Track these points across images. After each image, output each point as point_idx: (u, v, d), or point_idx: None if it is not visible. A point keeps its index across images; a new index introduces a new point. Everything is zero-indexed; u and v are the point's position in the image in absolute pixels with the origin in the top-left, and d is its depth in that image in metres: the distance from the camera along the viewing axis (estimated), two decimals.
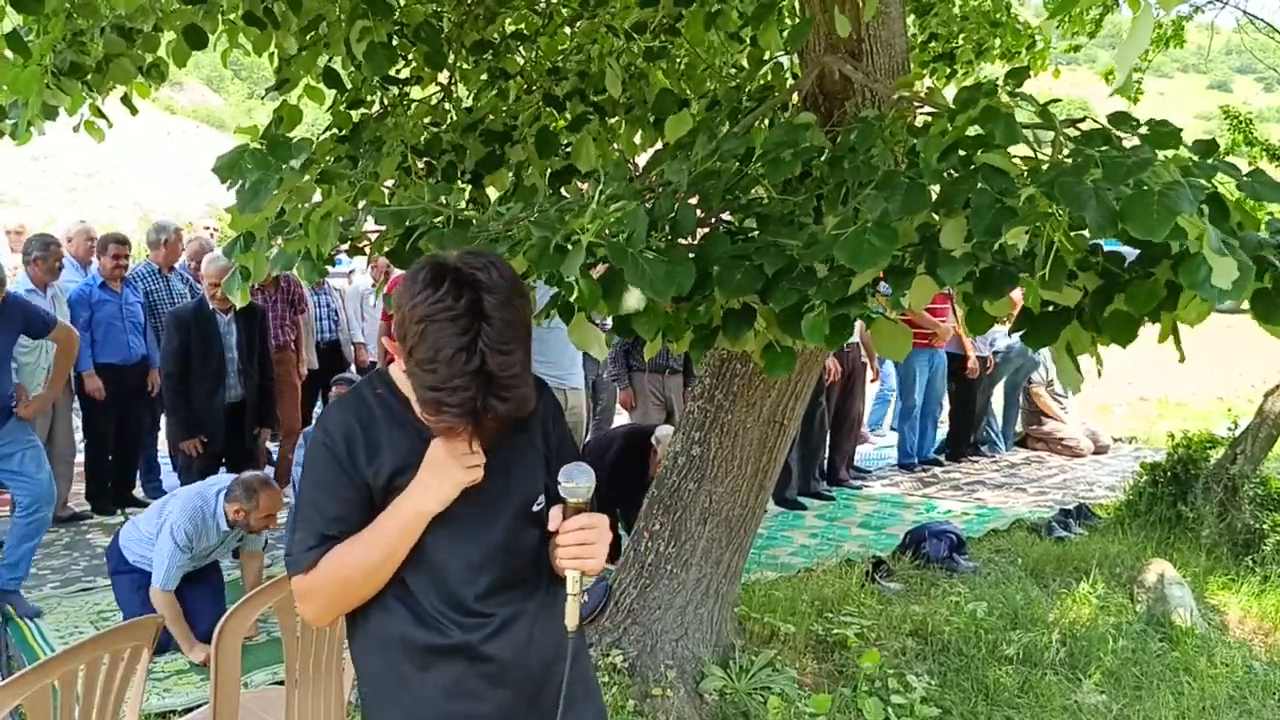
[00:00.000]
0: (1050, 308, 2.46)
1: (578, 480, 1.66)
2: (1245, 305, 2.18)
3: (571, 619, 1.69)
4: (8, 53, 3.65)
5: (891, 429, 9.86)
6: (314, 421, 7.53)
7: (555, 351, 5.78)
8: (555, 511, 1.70)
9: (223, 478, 4.64)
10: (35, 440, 5.11)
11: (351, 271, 11.28)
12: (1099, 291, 2.34)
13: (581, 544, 1.66)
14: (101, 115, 4.10)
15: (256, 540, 4.79)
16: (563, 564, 1.68)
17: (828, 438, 7.69)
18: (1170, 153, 2.18)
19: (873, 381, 8.39)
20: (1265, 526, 5.79)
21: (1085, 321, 2.36)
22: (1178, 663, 4.42)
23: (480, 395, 1.53)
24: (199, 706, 3.43)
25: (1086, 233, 2.34)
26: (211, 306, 5.74)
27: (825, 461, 7.82)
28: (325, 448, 1.71)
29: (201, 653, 4.45)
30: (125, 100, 4.17)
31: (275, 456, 7.27)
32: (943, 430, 9.54)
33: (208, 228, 8.87)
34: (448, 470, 1.64)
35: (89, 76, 3.87)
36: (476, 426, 1.58)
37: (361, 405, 1.74)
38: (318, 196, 3.18)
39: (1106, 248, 2.42)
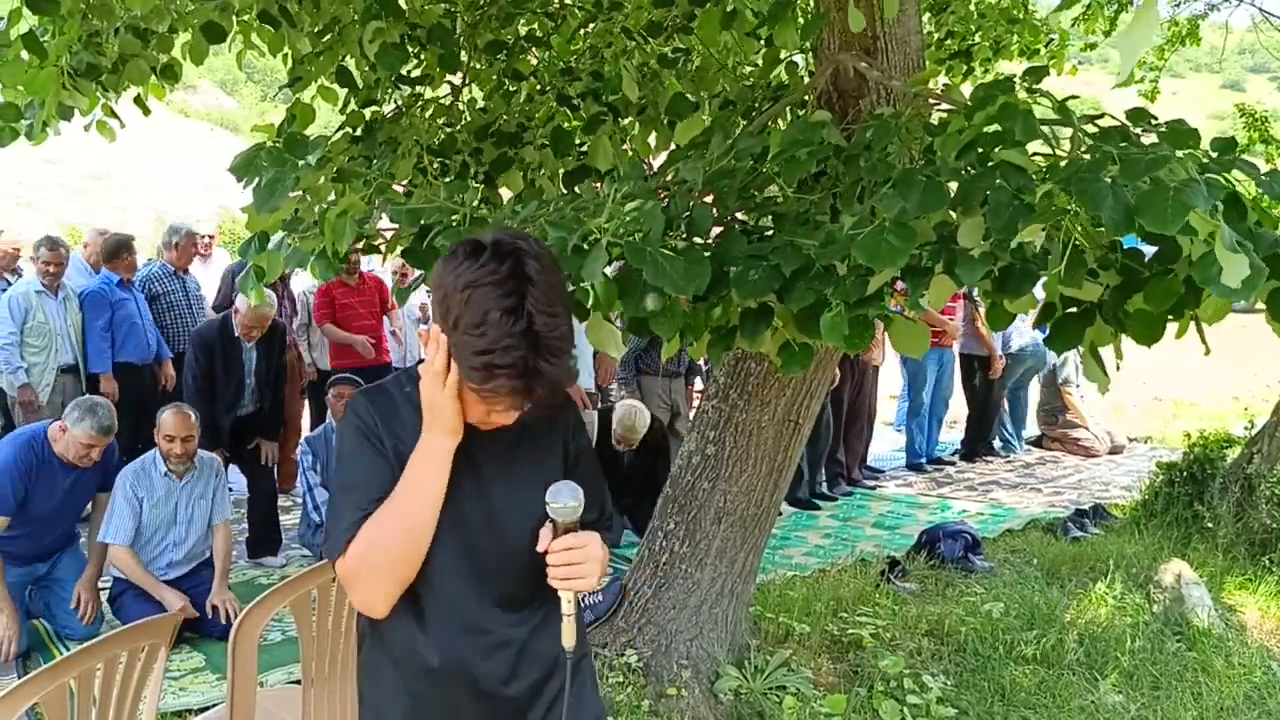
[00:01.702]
0: (1072, 308, 2.45)
1: (565, 499, 1.63)
2: (1261, 305, 2.17)
3: (568, 638, 1.68)
4: (24, 53, 3.67)
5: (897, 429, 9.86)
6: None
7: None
8: (545, 531, 1.68)
9: None
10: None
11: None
12: (1119, 289, 2.32)
13: (570, 564, 1.64)
14: (114, 115, 4.11)
15: (225, 511, 4.99)
16: (554, 584, 1.66)
17: (831, 439, 7.64)
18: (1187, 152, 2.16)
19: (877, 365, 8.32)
20: None
21: (1107, 318, 2.35)
22: (1195, 663, 4.40)
23: (530, 355, 1.51)
24: (214, 706, 3.44)
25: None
26: (237, 334, 5.89)
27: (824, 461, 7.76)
28: (354, 426, 1.71)
29: (179, 600, 4.64)
30: (138, 101, 4.18)
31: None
32: (954, 430, 9.52)
33: (203, 235, 8.68)
34: (442, 404, 1.62)
35: (104, 77, 3.88)
36: (528, 395, 1.56)
37: (384, 396, 1.75)
38: (332, 196, 3.19)
39: (1127, 245, 2.41)
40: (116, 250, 6.70)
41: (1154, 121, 2.35)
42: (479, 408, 1.62)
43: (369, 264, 8.44)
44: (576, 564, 1.63)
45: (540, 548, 1.67)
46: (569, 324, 1.59)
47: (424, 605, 1.71)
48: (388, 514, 1.63)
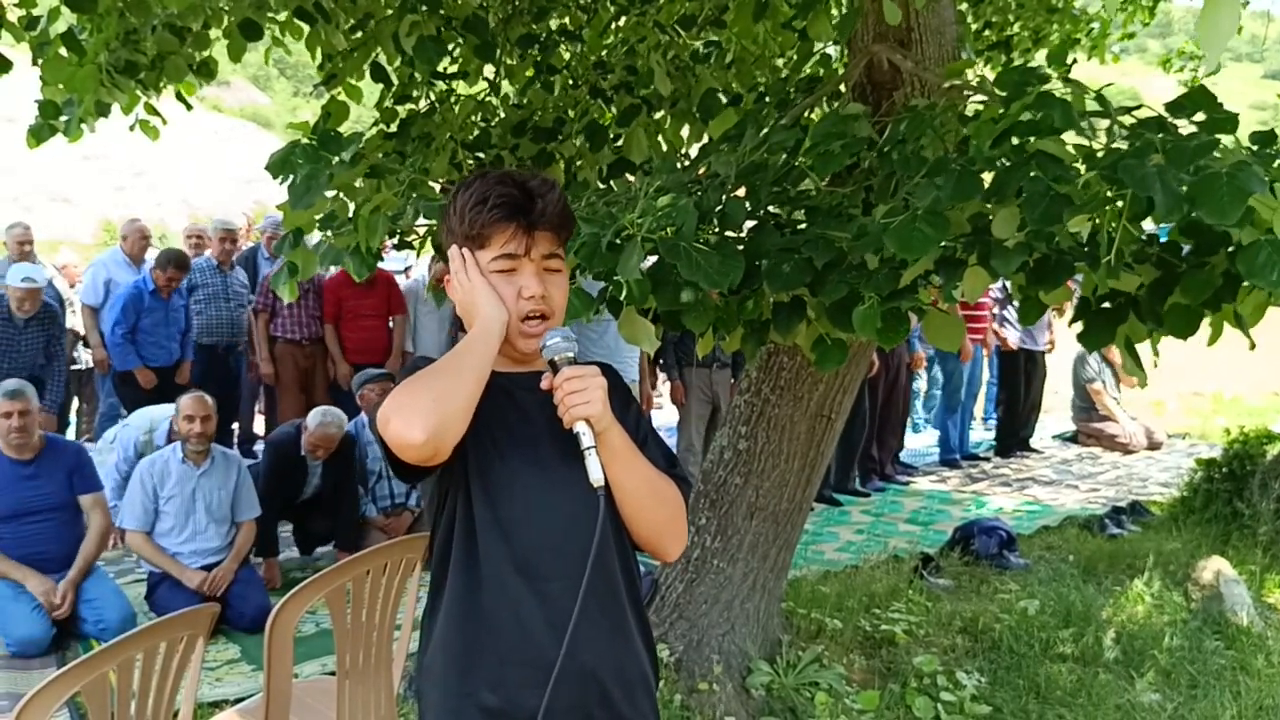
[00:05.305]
0: (1104, 304, 2.41)
1: (553, 340, 1.67)
2: None
3: (594, 472, 1.63)
4: (63, 51, 3.71)
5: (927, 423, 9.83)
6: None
7: (611, 344, 5.80)
8: (546, 376, 1.68)
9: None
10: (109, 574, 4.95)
11: (408, 268, 11.25)
12: (1156, 283, 2.29)
13: (574, 392, 1.63)
14: (156, 113, 4.15)
15: (251, 511, 5.09)
16: (567, 419, 1.64)
17: (865, 435, 7.59)
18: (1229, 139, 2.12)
19: (916, 367, 8.29)
20: None
21: (1144, 313, 2.31)
22: (1234, 662, 4.34)
23: (519, 190, 1.65)
24: (251, 696, 3.47)
25: (1143, 223, 2.30)
26: (303, 452, 5.78)
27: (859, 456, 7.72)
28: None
29: (197, 577, 4.76)
30: (179, 97, 4.22)
31: None
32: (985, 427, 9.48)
33: (263, 229, 8.69)
34: (475, 289, 1.67)
35: (143, 75, 3.92)
36: (528, 234, 1.66)
37: None
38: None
39: (1163, 239, 2.37)
40: (162, 261, 6.76)
41: (1191, 111, 2.31)
42: (509, 297, 1.67)
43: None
44: (579, 390, 1.63)
45: (544, 387, 1.68)
46: (560, 192, 1.72)
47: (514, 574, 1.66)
48: (434, 367, 1.63)
